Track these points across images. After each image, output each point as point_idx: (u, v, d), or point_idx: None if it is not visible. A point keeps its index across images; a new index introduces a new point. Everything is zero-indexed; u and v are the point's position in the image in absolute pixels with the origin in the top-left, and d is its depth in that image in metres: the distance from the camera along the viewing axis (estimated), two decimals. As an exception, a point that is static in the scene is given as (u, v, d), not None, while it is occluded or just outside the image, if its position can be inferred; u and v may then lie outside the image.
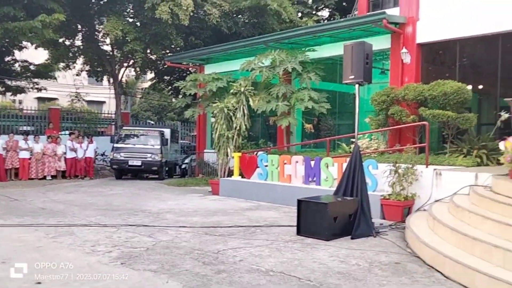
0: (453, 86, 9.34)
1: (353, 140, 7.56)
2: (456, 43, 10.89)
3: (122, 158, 15.84)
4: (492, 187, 6.34)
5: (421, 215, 6.97)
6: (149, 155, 15.92)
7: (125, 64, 22.05)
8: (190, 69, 18.84)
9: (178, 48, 19.86)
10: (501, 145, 6.27)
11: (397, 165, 7.90)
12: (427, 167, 8.17)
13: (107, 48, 21.49)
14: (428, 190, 7.85)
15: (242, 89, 12.06)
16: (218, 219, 7.78)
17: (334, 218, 6.30)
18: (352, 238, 6.26)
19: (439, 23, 10.67)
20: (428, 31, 10.87)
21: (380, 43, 11.30)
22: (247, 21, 20.50)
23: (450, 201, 6.60)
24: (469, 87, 9.84)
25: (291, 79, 13.10)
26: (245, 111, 11.96)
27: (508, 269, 4.17)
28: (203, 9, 18.57)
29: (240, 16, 20.73)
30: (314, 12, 23.52)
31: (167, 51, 20.46)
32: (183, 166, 18.84)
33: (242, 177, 11.22)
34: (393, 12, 11.44)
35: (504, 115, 8.25)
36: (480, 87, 12.21)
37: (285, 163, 10.05)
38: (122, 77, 22.91)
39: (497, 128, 8.90)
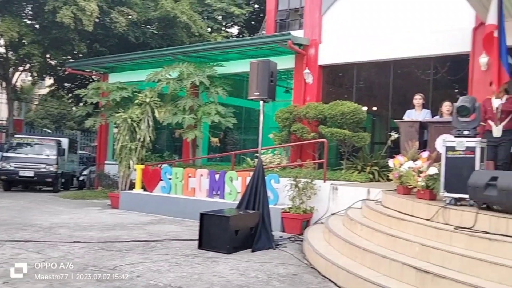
0: (350, 106, 9.98)
1: (258, 154, 7.72)
2: (354, 66, 11.67)
3: (12, 168, 14.69)
4: (382, 202, 6.81)
5: (318, 228, 7.28)
6: (43, 165, 14.93)
7: (21, 68, 20.49)
8: (93, 77, 18.02)
9: (81, 55, 18.92)
10: (390, 162, 6.76)
11: (297, 179, 8.19)
12: (325, 182, 8.57)
13: (0, 49, 19.84)
14: (325, 203, 8.23)
15: (148, 100, 11.77)
16: (116, 234, 7.44)
17: (236, 231, 6.34)
18: (252, 251, 6.34)
19: (339, 47, 11.37)
20: (329, 54, 11.54)
21: (285, 62, 11.73)
22: (155, 31, 20.18)
23: (344, 214, 6.97)
24: (365, 108, 10.57)
25: (199, 92, 13.11)
26: (150, 123, 11.67)
27: (393, 278, 4.47)
28: (109, 16, 17.92)
29: (148, 26, 20.35)
30: (223, 29, 23.83)
31: (69, 57, 19.39)
32: (81, 178, 17.89)
33: (145, 190, 10.89)
34: (298, 34, 11.96)
35: (394, 135, 8.94)
36: (374, 108, 13.18)
37: (189, 176, 9.94)
38: (16, 81, 21.25)
39: (387, 147, 9.62)
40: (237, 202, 7.57)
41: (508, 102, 6.51)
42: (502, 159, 6.45)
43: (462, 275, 4.01)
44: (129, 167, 11.44)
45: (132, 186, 11.30)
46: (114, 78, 15.66)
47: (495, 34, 6.27)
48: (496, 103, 6.56)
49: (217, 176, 9.50)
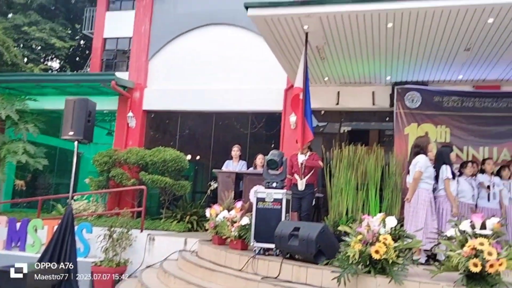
0: (172, 154, 9.94)
1: (69, 200, 7.03)
2: (179, 114, 11.79)
3: None
4: (197, 252, 6.79)
5: (130, 283, 6.84)
6: None
7: None
8: None
9: None
10: (207, 212, 6.82)
11: (112, 229, 7.69)
12: (141, 231, 8.23)
13: None
14: (141, 255, 7.84)
15: None
16: None
17: (33, 290, 5.57)
18: (52, 312, 5.62)
19: (165, 93, 11.42)
20: (155, 99, 11.50)
21: (108, 103, 11.33)
22: (-43, 54, 17.54)
23: (160, 267, 6.72)
24: (188, 156, 10.67)
25: (5, 128, 11.65)
26: None
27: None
28: None
29: None
30: (42, 60, 22.02)
31: None
32: None
33: None
34: (123, 75, 11.68)
35: (213, 185, 9.17)
36: (198, 157, 13.44)
37: (-17, 225, 8.53)
38: None
39: (207, 196, 9.79)
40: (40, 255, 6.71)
41: (310, 158, 7.24)
42: (305, 211, 7.06)
43: (265, 325, 4.13)
44: None
45: None
46: None
47: (301, 96, 6.99)
48: (301, 158, 7.23)
49: (18, 224, 8.35)
